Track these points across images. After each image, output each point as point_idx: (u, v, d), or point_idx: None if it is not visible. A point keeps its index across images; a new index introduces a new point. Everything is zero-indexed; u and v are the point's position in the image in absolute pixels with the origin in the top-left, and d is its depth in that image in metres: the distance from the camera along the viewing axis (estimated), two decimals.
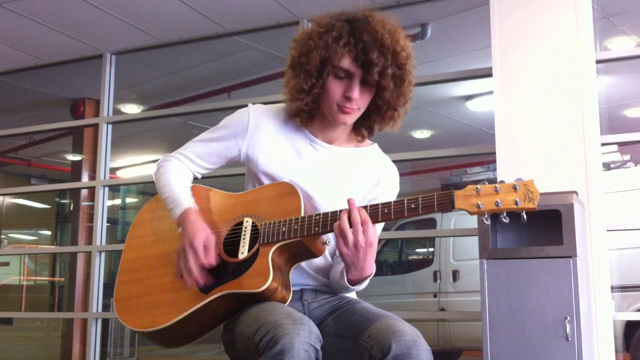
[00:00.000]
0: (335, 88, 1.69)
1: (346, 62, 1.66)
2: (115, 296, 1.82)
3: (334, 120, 1.75)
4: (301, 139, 1.80)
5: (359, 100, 1.70)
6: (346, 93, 1.69)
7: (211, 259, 1.65)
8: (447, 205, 1.52)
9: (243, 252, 1.65)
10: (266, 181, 1.76)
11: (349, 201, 1.59)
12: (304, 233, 1.61)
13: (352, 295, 1.83)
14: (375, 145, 1.90)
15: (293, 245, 1.64)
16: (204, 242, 1.65)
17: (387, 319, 1.58)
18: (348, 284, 1.67)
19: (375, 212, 1.58)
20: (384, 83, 1.67)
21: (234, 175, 4.14)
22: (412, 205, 1.54)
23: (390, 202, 1.58)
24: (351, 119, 1.74)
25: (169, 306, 1.69)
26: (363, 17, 1.69)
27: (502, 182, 1.50)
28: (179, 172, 1.80)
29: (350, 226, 1.56)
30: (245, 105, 1.84)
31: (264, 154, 1.77)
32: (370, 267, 1.63)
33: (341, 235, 1.57)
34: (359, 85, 1.68)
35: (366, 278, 1.66)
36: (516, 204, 1.47)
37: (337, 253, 1.75)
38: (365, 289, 1.81)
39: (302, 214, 1.63)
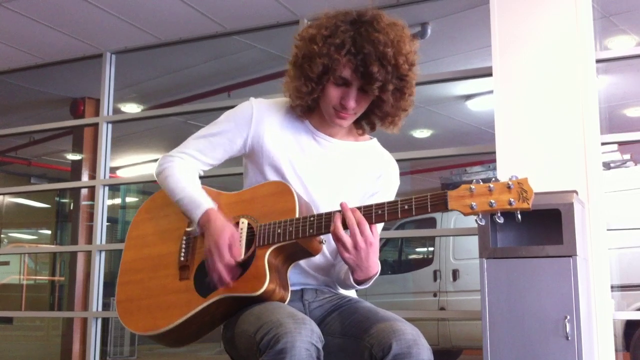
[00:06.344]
0: (333, 94, 1.68)
1: (347, 72, 1.64)
2: (117, 297, 1.82)
3: (331, 122, 1.75)
4: (304, 132, 1.80)
5: (356, 107, 1.70)
6: (342, 101, 1.68)
7: (237, 255, 1.63)
8: (441, 207, 1.50)
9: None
10: (270, 173, 1.76)
11: (341, 205, 1.57)
12: (298, 235, 1.61)
13: (353, 294, 1.84)
14: (375, 140, 1.90)
15: (289, 247, 1.64)
16: (229, 239, 1.63)
17: (388, 318, 1.58)
18: (355, 284, 1.67)
19: (369, 214, 1.57)
20: (385, 97, 1.65)
21: (233, 175, 4.13)
22: (406, 207, 1.53)
23: (383, 203, 1.56)
24: (347, 122, 1.74)
25: (170, 309, 1.70)
26: (369, 19, 1.65)
27: (496, 180, 1.47)
28: (187, 172, 1.78)
29: (346, 228, 1.55)
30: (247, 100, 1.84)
31: (268, 146, 1.76)
32: (375, 266, 1.62)
33: (339, 240, 1.56)
34: (356, 93, 1.67)
35: (372, 277, 1.65)
36: (510, 204, 1.44)
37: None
38: (366, 288, 1.81)
39: (297, 215, 1.63)
